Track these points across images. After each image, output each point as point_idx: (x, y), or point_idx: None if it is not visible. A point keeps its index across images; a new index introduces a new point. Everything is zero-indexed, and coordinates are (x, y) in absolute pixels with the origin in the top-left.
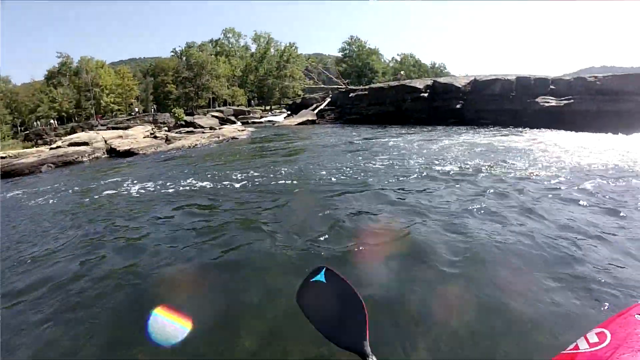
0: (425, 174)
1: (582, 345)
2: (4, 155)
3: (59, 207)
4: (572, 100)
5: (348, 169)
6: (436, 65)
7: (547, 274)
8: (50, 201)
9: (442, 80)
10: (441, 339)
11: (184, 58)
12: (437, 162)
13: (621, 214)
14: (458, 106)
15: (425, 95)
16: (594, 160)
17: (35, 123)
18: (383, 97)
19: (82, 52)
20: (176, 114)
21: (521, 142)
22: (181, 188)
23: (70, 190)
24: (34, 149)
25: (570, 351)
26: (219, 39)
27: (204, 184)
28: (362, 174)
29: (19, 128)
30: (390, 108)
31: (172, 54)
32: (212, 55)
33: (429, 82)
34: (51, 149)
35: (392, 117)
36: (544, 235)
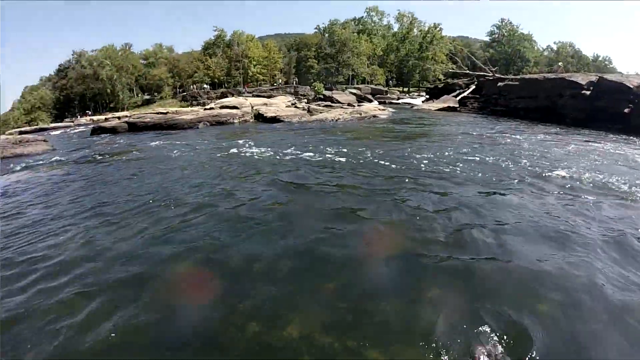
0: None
1: None
2: (165, 111)
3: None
4: None
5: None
6: (599, 59)
7: None
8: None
9: (610, 77)
10: None
11: (327, 35)
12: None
13: None
14: (626, 110)
15: (587, 92)
16: None
17: (191, 87)
18: (536, 90)
19: (234, 27)
20: (316, 88)
21: None
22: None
23: (222, 144)
24: (189, 109)
25: None
26: (362, 17)
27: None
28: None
29: (178, 90)
30: (543, 103)
31: (316, 30)
32: (354, 33)
33: (594, 78)
34: (205, 109)
35: (544, 113)
36: None
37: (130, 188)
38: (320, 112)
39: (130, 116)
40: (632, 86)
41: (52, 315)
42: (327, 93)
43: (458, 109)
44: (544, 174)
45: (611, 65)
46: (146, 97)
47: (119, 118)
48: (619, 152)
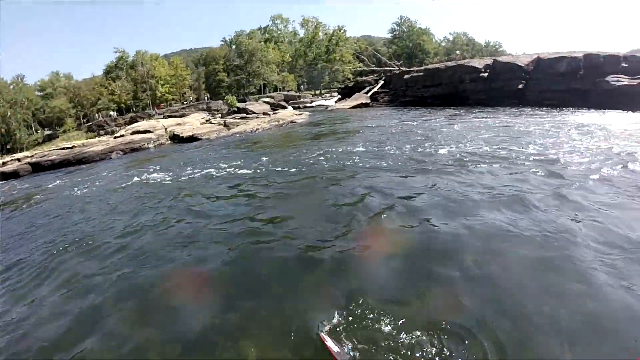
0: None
1: None
2: (71, 145)
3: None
4: None
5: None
6: (491, 44)
7: None
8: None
9: (503, 59)
10: None
11: (234, 46)
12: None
13: None
14: (520, 86)
15: (485, 75)
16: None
17: (96, 115)
18: (440, 78)
19: (136, 47)
20: (229, 101)
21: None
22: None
23: (131, 173)
24: (97, 139)
25: None
26: (268, 25)
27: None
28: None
29: (82, 120)
30: (447, 89)
31: (222, 42)
32: (261, 42)
33: (489, 61)
34: (116, 137)
35: (449, 98)
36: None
37: (30, 241)
38: (237, 125)
39: (32, 156)
40: (522, 65)
41: None
42: (241, 105)
43: (370, 104)
44: (431, 153)
45: (501, 49)
46: (47, 132)
47: (19, 160)
48: (505, 125)
